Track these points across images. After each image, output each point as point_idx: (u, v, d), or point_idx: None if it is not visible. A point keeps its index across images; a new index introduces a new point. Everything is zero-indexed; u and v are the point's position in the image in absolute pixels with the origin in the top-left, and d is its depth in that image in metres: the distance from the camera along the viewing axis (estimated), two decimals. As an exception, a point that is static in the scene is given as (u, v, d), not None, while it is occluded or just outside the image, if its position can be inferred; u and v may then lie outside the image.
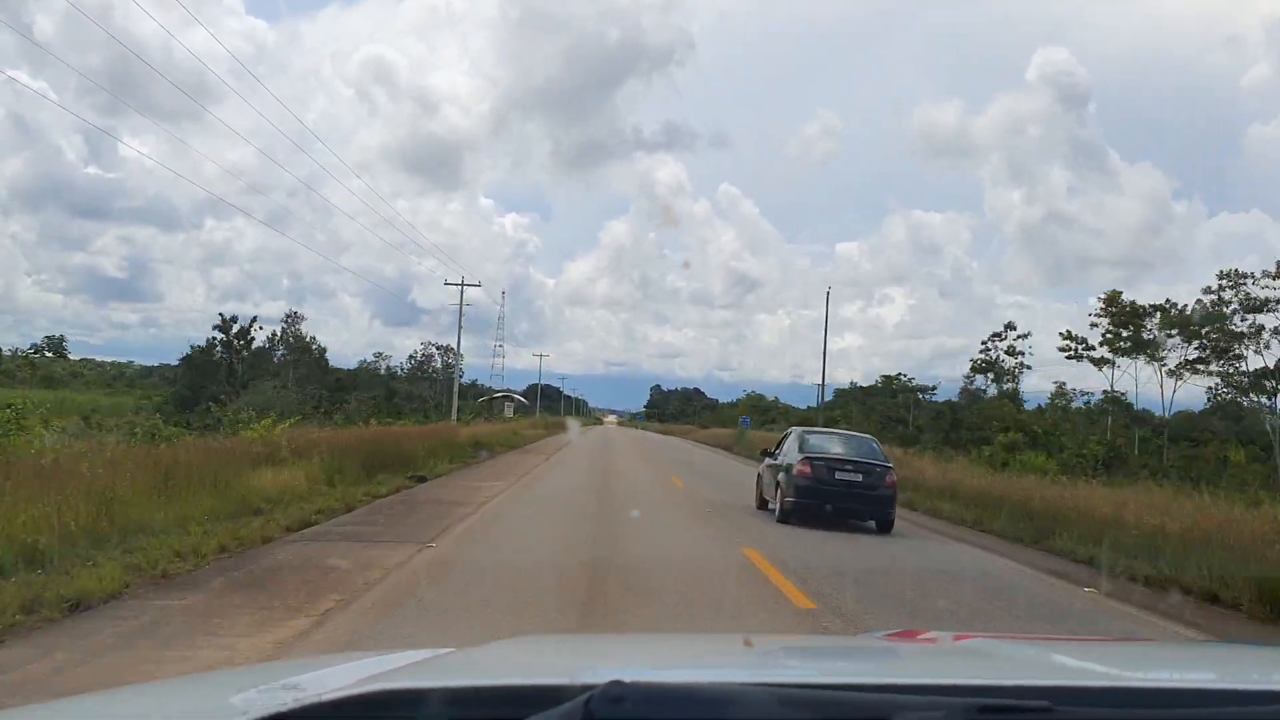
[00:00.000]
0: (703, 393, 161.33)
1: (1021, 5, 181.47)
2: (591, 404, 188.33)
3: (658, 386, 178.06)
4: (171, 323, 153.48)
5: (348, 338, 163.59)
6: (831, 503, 14.40)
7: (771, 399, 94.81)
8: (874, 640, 2.19)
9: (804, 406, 74.21)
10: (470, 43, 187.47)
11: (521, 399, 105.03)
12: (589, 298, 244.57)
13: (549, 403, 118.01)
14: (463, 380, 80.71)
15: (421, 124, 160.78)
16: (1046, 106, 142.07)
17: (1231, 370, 40.51)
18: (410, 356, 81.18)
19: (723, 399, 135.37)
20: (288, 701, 1.23)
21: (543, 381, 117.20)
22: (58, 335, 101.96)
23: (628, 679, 1.14)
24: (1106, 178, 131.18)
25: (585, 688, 1.15)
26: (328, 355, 64.15)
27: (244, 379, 52.24)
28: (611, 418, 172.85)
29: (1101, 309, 43.67)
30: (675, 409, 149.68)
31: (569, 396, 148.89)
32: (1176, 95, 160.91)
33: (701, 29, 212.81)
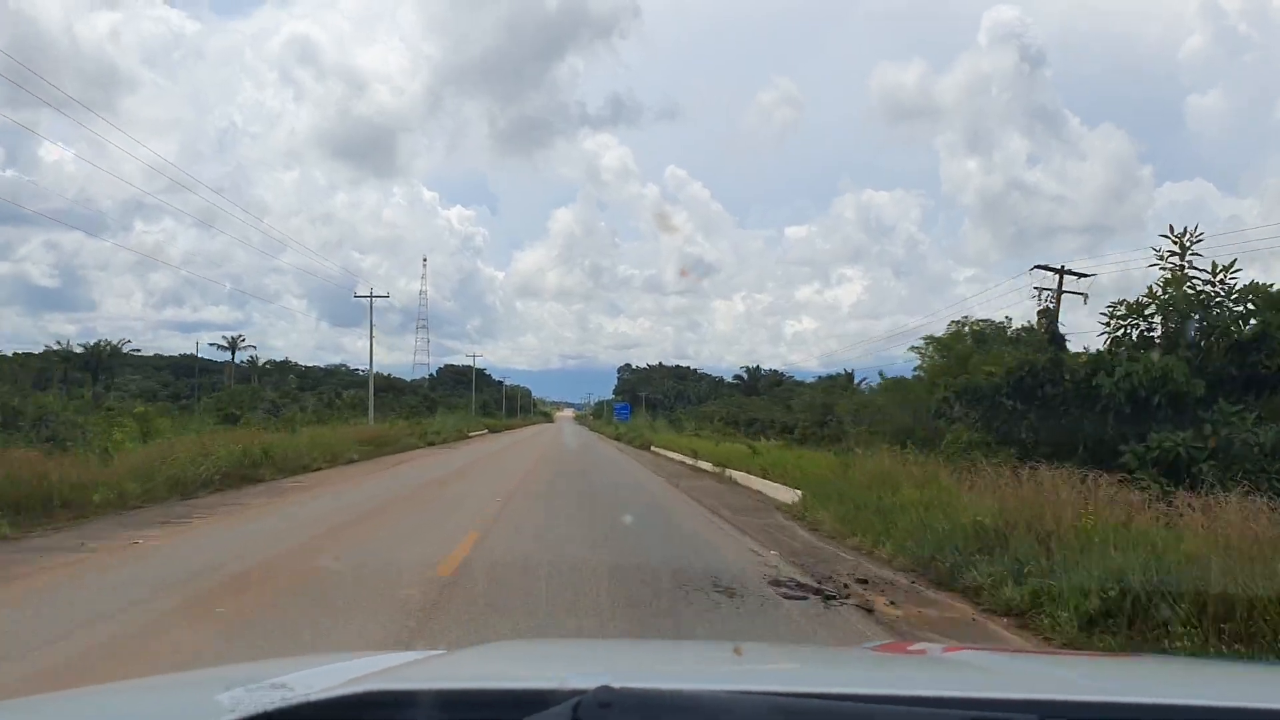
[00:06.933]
0: (694, 369, 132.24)
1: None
2: (538, 395, 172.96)
3: (627, 365, 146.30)
4: (108, 331, 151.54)
5: (297, 339, 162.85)
6: None
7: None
8: (864, 651, 2.20)
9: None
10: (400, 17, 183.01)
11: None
12: (539, 289, 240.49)
13: (454, 392, 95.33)
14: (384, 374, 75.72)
15: (353, 106, 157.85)
16: (1009, 68, 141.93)
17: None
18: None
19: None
20: (275, 700, 1.23)
21: (475, 371, 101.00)
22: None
23: (617, 685, 1.14)
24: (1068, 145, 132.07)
25: (574, 692, 1.15)
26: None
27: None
28: (567, 412, 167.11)
29: None
30: (659, 391, 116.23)
31: (491, 382, 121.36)
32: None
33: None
